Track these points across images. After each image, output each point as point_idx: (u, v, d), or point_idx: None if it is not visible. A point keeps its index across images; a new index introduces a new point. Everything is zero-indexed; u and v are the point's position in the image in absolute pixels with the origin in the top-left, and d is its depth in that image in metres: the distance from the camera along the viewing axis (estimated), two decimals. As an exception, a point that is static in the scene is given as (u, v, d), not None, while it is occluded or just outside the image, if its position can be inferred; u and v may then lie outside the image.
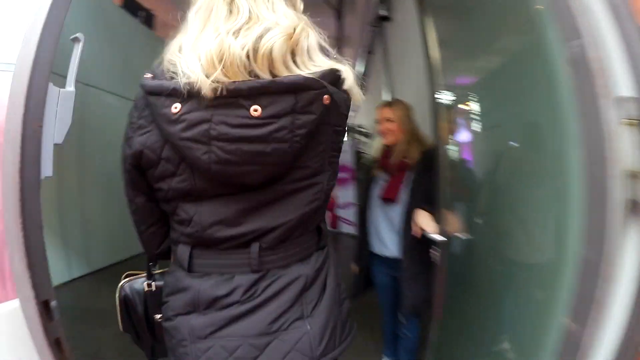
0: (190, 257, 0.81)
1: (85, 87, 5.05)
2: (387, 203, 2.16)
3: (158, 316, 0.94)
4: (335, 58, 0.80)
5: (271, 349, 0.75)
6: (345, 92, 0.81)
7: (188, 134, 0.68)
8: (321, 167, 0.83)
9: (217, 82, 0.66)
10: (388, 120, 2.16)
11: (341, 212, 8.12)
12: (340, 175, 6.23)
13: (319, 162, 0.82)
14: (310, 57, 0.75)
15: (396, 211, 2.13)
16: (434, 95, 1.95)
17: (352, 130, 8.79)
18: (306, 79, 0.69)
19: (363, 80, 10.47)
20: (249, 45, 0.68)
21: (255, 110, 0.67)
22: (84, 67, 4.88)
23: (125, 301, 1.04)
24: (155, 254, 0.96)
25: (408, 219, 1.99)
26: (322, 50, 0.79)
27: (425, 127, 2.23)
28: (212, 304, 0.77)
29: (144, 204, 0.88)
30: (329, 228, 1.15)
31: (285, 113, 0.68)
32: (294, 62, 0.72)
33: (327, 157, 0.85)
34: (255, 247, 0.78)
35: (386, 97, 6.31)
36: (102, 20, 5.33)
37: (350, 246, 7.02)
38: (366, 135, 8.51)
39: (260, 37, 0.68)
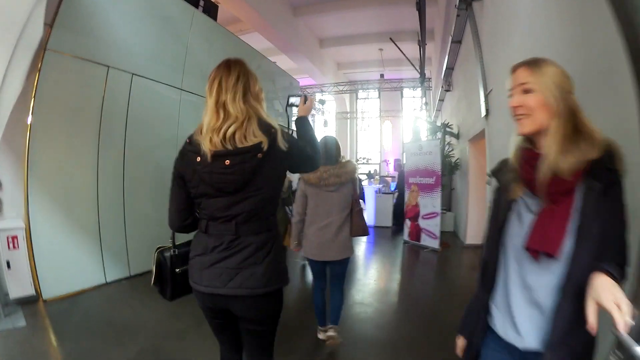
0: (207, 225, 1.59)
1: (138, 79, 5.16)
2: (537, 258, 1.12)
3: (178, 269, 1.74)
4: (270, 129, 1.52)
5: (239, 275, 1.52)
6: (277, 143, 1.51)
7: (203, 169, 1.49)
8: (264, 184, 1.53)
9: (212, 150, 1.45)
10: (525, 89, 1.15)
11: (424, 223, 7.38)
12: (424, 180, 7.39)
13: (263, 181, 1.52)
14: (253, 134, 1.48)
15: (549, 274, 1.11)
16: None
17: (442, 128, 8.06)
18: (248, 147, 1.46)
19: (449, 77, 10.10)
20: (223, 135, 1.46)
21: (227, 162, 1.45)
22: (140, 58, 5.12)
23: (159, 263, 1.77)
24: (183, 226, 1.69)
25: (572, 293, 1.04)
26: (261, 126, 1.51)
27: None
28: (213, 250, 1.56)
29: (186, 199, 1.65)
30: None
31: (239, 162, 1.45)
32: (244, 137, 1.47)
33: (276, 176, 1.59)
34: (233, 222, 1.54)
35: (481, 92, 5.59)
36: (160, 10, 5.59)
37: (431, 261, 6.53)
38: (455, 135, 7.75)
39: (228, 128, 1.46)
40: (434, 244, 7.09)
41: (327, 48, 15.74)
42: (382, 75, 16.47)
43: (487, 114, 5.51)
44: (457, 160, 8.48)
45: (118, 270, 4.90)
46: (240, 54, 7.31)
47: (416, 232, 7.53)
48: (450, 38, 8.18)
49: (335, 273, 3.13)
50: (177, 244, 1.80)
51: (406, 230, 7.84)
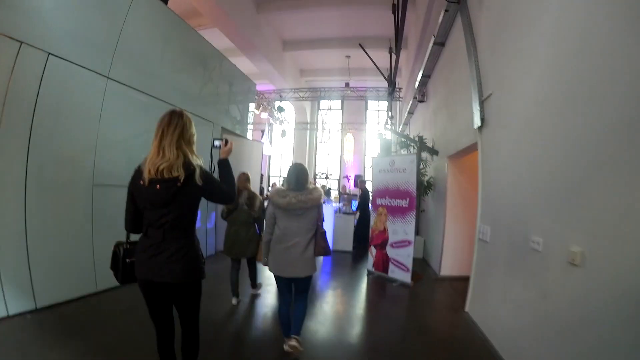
0: (146, 230, 2.24)
1: (55, 60, 4.15)
2: None
3: (128, 260, 2.34)
4: (190, 167, 2.19)
5: (165, 269, 2.17)
6: (194, 178, 2.19)
7: (143, 189, 2.18)
8: (182, 203, 2.20)
9: (149, 178, 2.15)
10: None
11: (393, 252, 6.26)
12: (395, 202, 6.38)
13: (182, 201, 2.19)
14: (177, 170, 2.15)
15: None
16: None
17: (418, 142, 7.06)
18: (171, 178, 2.14)
19: (423, 86, 9.17)
20: (156, 169, 2.14)
21: (157, 186, 2.15)
22: (60, 35, 4.25)
23: (115, 253, 2.38)
24: (130, 230, 2.36)
25: None
26: (184, 164, 2.18)
27: None
28: (149, 248, 2.20)
29: (134, 210, 2.29)
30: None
31: (165, 187, 2.15)
32: (170, 171, 2.14)
33: (190, 201, 2.26)
34: (162, 229, 2.19)
35: (475, 98, 4.67)
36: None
37: (402, 298, 5.38)
38: (432, 150, 6.76)
39: (160, 164, 2.13)
40: (405, 277, 5.97)
41: (291, 51, 14.73)
42: (347, 84, 15.57)
43: (481, 125, 4.56)
44: (430, 179, 7.50)
45: (21, 301, 3.90)
46: (195, 48, 7.25)
47: (383, 262, 6.38)
48: (430, 41, 7.33)
49: (300, 289, 3.46)
50: (129, 241, 2.42)
51: (371, 259, 6.69)
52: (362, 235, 9.16)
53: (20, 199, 3.84)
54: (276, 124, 18.89)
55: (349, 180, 16.01)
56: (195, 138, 2.35)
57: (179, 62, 6.46)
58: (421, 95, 9.24)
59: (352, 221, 9.02)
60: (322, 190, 3.51)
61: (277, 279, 3.41)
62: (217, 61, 7.72)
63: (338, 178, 19.72)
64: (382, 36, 12.32)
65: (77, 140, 4.50)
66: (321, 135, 20.21)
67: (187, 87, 6.65)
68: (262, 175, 8.92)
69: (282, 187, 3.41)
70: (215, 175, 2.45)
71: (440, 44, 7.21)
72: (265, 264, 3.45)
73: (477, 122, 4.62)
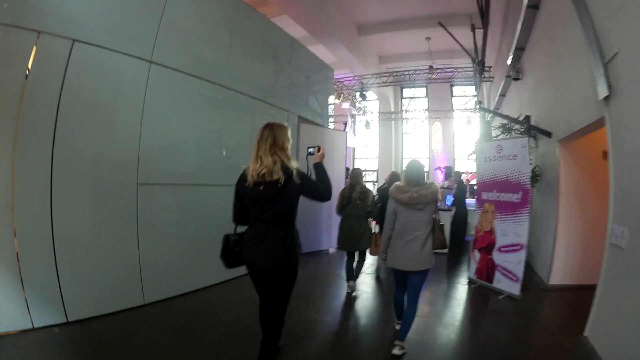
0: (251, 223, 2.75)
1: (82, 47, 3.77)
2: None
3: (237, 248, 2.77)
4: (288, 170, 2.59)
5: (266, 255, 2.63)
6: (292, 178, 2.57)
7: (249, 190, 2.63)
8: (283, 201, 2.61)
9: (253, 182, 2.59)
10: None
11: (501, 258, 5.36)
12: (505, 196, 5.48)
13: (282, 200, 2.60)
14: (276, 173, 2.55)
15: None
16: None
17: (526, 123, 6.02)
18: (272, 180, 2.55)
19: (517, 62, 7.92)
20: (258, 174, 2.57)
21: (261, 187, 2.58)
22: (86, 18, 3.88)
23: (226, 243, 2.80)
24: (237, 223, 2.81)
25: None
26: (282, 168, 2.57)
27: None
28: (252, 239, 2.70)
29: (240, 206, 2.76)
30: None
31: (269, 188, 2.57)
32: (270, 175, 2.55)
33: (290, 198, 2.65)
34: (264, 222, 2.65)
35: (595, 62, 3.67)
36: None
37: (507, 314, 4.54)
38: (544, 132, 5.69)
39: (261, 170, 2.56)
40: (513, 288, 5.06)
41: (366, 35, 13.96)
42: (431, 67, 14.48)
43: (609, 94, 3.52)
44: (536, 169, 6.41)
45: (49, 313, 3.59)
46: (266, 35, 6.78)
47: (488, 270, 5.50)
48: (523, 4, 6.28)
49: (415, 283, 3.48)
50: (237, 232, 2.82)
51: (473, 265, 5.85)
52: (459, 235, 8.28)
53: (45, 201, 3.55)
54: (359, 115, 18.29)
55: (442, 171, 14.89)
56: (289, 144, 2.74)
57: (248, 49, 6.05)
58: (515, 72, 8.05)
59: (447, 218, 8.15)
60: (437, 185, 3.67)
61: (396, 272, 3.61)
62: (290, 48, 7.29)
63: (427, 170, 18.46)
64: (462, 13, 11.26)
65: (115, 133, 4.10)
66: (407, 125, 19.23)
67: (258, 75, 6.28)
68: (347, 169, 8.32)
69: (401, 183, 3.55)
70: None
71: (534, 6, 6.17)
72: (384, 260, 3.59)
73: (602, 91, 3.56)
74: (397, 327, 3.68)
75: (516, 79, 8.05)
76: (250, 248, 2.68)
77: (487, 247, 5.56)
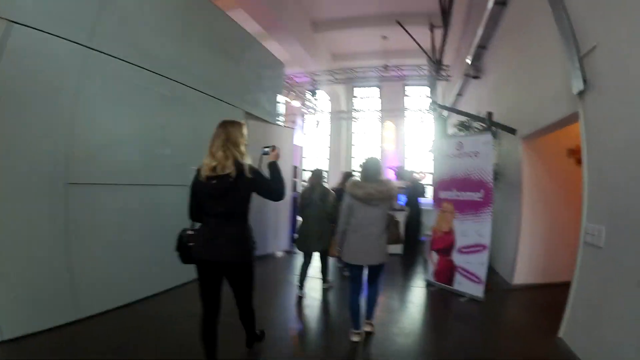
0: (205, 218, 2.68)
1: (20, 29, 3.23)
2: None
3: (190, 244, 2.69)
4: (240, 165, 2.59)
5: (219, 251, 2.57)
6: (244, 173, 2.58)
7: (202, 184, 2.61)
8: (235, 195, 2.61)
9: (206, 176, 2.59)
10: None
11: (461, 259, 5.07)
12: (465, 195, 5.20)
13: (234, 194, 2.60)
14: (228, 168, 2.55)
15: None
16: None
17: (493, 125, 5.73)
18: (224, 174, 2.55)
19: (477, 60, 7.80)
20: (211, 168, 2.57)
21: (214, 181, 2.56)
22: None
23: (180, 237, 2.77)
24: (193, 219, 2.76)
25: None
26: (234, 163, 2.57)
27: None
28: (205, 234, 2.63)
29: (196, 202, 2.70)
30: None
31: (221, 182, 2.56)
32: (222, 169, 2.56)
33: (242, 193, 2.64)
34: (217, 217, 2.62)
35: (570, 56, 3.46)
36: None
37: (472, 317, 4.22)
38: (508, 129, 5.43)
39: (214, 165, 2.57)
40: (476, 290, 4.80)
41: (322, 32, 13.46)
42: (385, 66, 14.26)
43: (584, 89, 3.38)
44: (495, 167, 6.16)
45: None
46: (216, 26, 6.15)
47: (447, 272, 5.21)
48: (489, 2, 6.13)
49: (373, 276, 3.62)
50: (193, 228, 2.78)
51: (431, 267, 5.54)
52: (414, 236, 8.01)
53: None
54: (309, 114, 17.84)
55: (394, 171, 14.79)
56: (242, 140, 2.74)
57: (200, 41, 5.54)
58: (475, 70, 7.98)
59: (401, 218, 7.84)
60: (394, 183, 3.73)
61: (351, 267, 3.58)
62: (242, 41, 6.76)
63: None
64: (421, 12, 10.99)
65: (41, 126, 3.46)
66: (357, 125, 18.98)
67: (207, 69, 5.69)
68: (295, 168, 7.83)
69: (357, 179, 3.59)
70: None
71: (501, 2, 6.03)
72: (339, 254, 3.62)
73: (577, 86, 3.43)
74: (354, 338, 3.55)
75: (475, 77, 7.96)
76: (203, 245, 2.62)
77: (446, 248, 5.27)
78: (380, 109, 18.26)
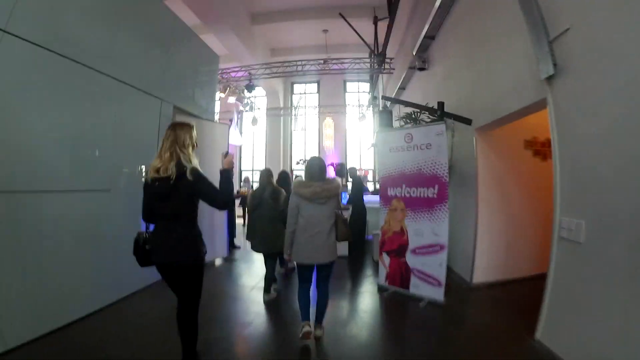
0: (156, 220, 2.70)
1: None
2: None
3: (147, 246, 2.67)
4: (182, 167, 2.57)
5: (168, 252, 2.59)
6: (185, 176, 2.55)
7: (149, 186, 2.63)
8: (178, 197, 2.57)
9: (152, 177, 2.60)
10: None
11: (417, 261, 4.65)
12: (418, 191, 4.82)
13: (177, 195, 2.57)
14: (170, 170, 2.55)
15: None
16: None
17: (445, 115, 5.31)
18: (166, 176, 2.55)
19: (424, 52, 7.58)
20: (156, 170, 2.59)
21: (157, 183, 2.57)
22: None
23: (137, 240, 2.70)
24: (146, 220, 2.75)
25: None
26: (177, 165, 2.57)
27: None
28: (157, 236, 2.66)
29: (146, 203, 2.72)
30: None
31: (163, 184, 2.56)
32: (165, 171, 2.56)
33: (184, 195, 2.59)
34: (165, 218, 2.63)
35: (538, 40, 3.20)
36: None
37: (433, 323, 3.74)
38: (462, 120, 5.06)
39: (159, 167, 2.58)
40: (436, 293, 4.41)
41: (261, 25, 12.73)
42: (325, 61, 13.83)
43: (554, 74, 3.16)
44: (450, 160, 5.86)
45: None
46: (149, 15, 5.39)
47: (401, 275, 4.78)
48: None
49: (323, 276, 3.59)
50: (149, 230, 2.74)
51: (383, 271, 5.07)
52: (359, 235, 7.57)
53: None
54: (246, 111, 16.98)
55: (334, 167, 14.39)
56: (190, 142, 2.75)
57: (130, 30, 4.85)
58: (421, 62, 7.70)
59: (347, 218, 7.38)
60: (339, 181, 3.83)
61: (301, 268, 3.57)
62: (175, 32, 6.01)
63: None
64: (365, 4, 10.79)
65: None
66: (296, 122, 18.38)
67: (133, 58, 4.92)
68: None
69: (302, 179, 3.61)
70: None
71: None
72: (289, 255, 3.57)
73: (545, 71, 3.20)
74: (306, 328, 3.50)
75: (421, 69, 7.68)
76: (155, 246, 2.65)
77: (398, 250, 4.84)
78: (319, 105, 17.79)
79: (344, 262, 6.65)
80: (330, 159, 16.25)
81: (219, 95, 13.78)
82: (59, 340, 3.45)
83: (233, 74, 14.31)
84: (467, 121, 4.86)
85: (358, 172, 8.46)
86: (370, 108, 15.17)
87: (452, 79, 6.14)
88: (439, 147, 4.53)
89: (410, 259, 4.69)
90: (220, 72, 12.56)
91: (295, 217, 3.48)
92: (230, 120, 15.82)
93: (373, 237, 6.80)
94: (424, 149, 4.67)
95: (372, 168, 16.83)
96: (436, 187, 4.50)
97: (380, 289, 5.03)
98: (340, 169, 11.71)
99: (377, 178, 14.95)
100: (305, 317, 3.55)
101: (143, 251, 2.69)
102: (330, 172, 15.40)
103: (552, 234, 3.25)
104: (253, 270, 6.18)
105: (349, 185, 9.06)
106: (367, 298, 4.83)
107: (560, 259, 3.19)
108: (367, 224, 8.01)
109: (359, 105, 16.51)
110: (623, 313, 2.45)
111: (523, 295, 4.23)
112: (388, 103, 9.80)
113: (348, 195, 8.15)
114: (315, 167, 3.51)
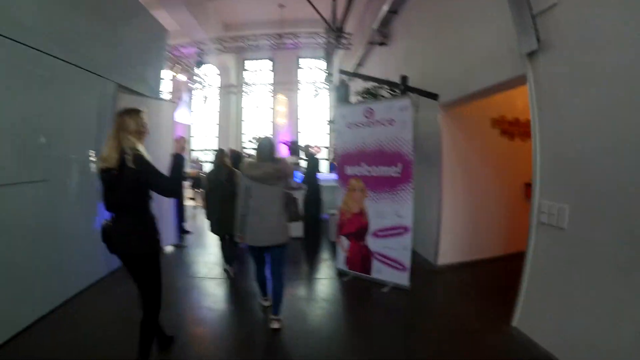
0: (109, 209, 2.52)
1: None
2: None
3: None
4: (125, 154, 2.37)
5: (122, 242, 2.48)
6: (128, 166, 2.35)
7: (101, 176, 2.44)
8: (124, 187, 2.39)
9: (100, 167, 2.43)
10: None
11: (379, 244, 4.39)
12: (379, 170, 4.47)
13: (124, 185, 2.38)
14: (114, 158, 2.37)
15: None
16: None
17: (408, 90, 4.83)
18: (111, 167, 2.37)
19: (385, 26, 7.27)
20: (104, 158, 2.41)
21: (104, 173, 2.40)
22: None
23: (103, 228, 2.52)
24: (107, 209, 2.51)
25: None
26: (120, 153, 2.37)
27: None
28: (113, 225, 2.49)
29: (104, 195, 2.48)
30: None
31: (108, 174, 2.39)
32: (111, 159, 2.39)
33: (130, 184, 2.38)
34: (114, 208, 2.49)
35: (520, 14, 2.95)
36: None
37: (397, 310, 3.56)
38: (428, 95, 4.74)
39: (107, 154, 2.40)
40: (401, 278, 4.18)
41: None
42: (280, 35, 13.21)
43: (537, 49, 2.96)
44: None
45: None
46: None
47: (361, 259, 4.51)
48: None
49: (277, 259, 3.44)
50: (114, 218, 2.55)
51: (341, 255, 4.78)
52: (314, 215, 7.25)
53: None
54: (197, 89, 16.10)
55: (287, 146, 13.88)
56: (136, 128, 2.53)
57: (67, 2, 4.10)
58: (382, 37, 7.38)
59: (299, 197, 7.00)
60: (288, 161, 4.27)
61: (254, 250, 3.50)
62: (120, 1, 5.29)
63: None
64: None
65: None
66: (249, 99, 17.59)
67: (75, 35, 4.22)
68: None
69: (252, 160, 3.49)
70: None
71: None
72: (242, 239, 3.46)
73: (528, 45, 3.00)
74: (265, 303, 3.76)
75: (382, 44, 7.35)
76: (113, 236, 2.51)
77: (358, 233, 4.56)
78: (272, 82, 17.12)
79: (299, 245, 6.30)
80: (283, 137, 15.77)
81: (169, 73, 13.21)
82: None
83: (184, 50, 13.48)
84: (433, 96, 4.60)
85: (311, 150, 8.08)
86: (326, 85, 14.76)
87: (416, 54, 5.87)
88: (403, 122, 4.22)
89: (372, 243, 4.42)
90: (170, 49, 11.83)
91: (246, 200, 3.40)
92: (180, 99, 14.95)
93: (329, 216, 6.49)
94: (386, 125, 4.35)
95: (327, 146, 16.49)
96: (399, 165, 4.22)
97: (340, 274, 4.74)
98: (294, 147, 11.32)
99: (331, 156, 14.61)
100: (264, 293, 3.78)
101: (109, 239, 2.56)
102: (284, 151, 15.02)
103: (530, 217, 3.08)
104: (206, 258, 5.67)
105: (303, 163, 8.64)
106: (327, 284, 4.52)
107: (539, 245, 3.04)
108: (322, 203, 7.72)
109: (314, 83, 16.00)
110: (610, 300, 2.33)
111: (491, 277, 4.11)
112: (347, 78, 9.38)
113: (302, 174, 7.76)
114: (266, 148, 3.45)
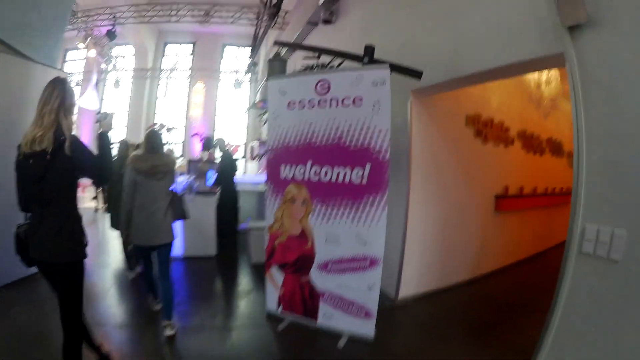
0: (31, 207, 2.06)
1: None
2: None
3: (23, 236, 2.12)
4: (61, 137, 1.96)
5: (42, 247, 1.99)
6: (63, 149, 1.96)
7: (20, 165, 2.00)
8: (56, 177, 1.98)
9: (24, 152, 1.94)
10: None
11: (330, 282, 3.08)
12: (336, 172, 3.17)
13: (54, 175, 1.96)
14: (47, 140, 1.92)
15: None
16: None
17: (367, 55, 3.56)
18: (42, 151, 1.91)
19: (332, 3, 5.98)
20: (31, 140, 1.92)
21: (31, 160, 1.92)
22: None
23: (17, 236, 2.12)
24: (22, 209, 2.10)
25: None
26: (55, 134, 1.95)
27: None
28: (32, 227, 2.02)
29: (21, 188, 2.08)
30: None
31: (37, 162, 1.92)
32: (42, 142, 1.92)
33: (62, 175, 2.00)
34: (39, 204, 1.99)
35: None
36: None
37: None
38: (410, 72, 3.48)
39: (37, 133, 1.93)
40: (362, 326, 2.96)
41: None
42: (207, 13, 11.63)
43: (584, 23, 2.11)
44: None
45: None
46: None
47: (303, 299, 3.19)
48: None
49: (164, 259, 3.21)
50: (29, 222, 2.13)
51: (273, 293, 3.40)
52: (229, 225, 5.81)
53: None
54: (109, 70, 13.95)
55: (200, 139, 12.16)
56: (72, 104, 2.20)
57: None
58: (328, 14, 6.27)
59: (211, 204, 5.44)
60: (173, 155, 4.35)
61: (140, 249, 3.29)
62: None
63: (183, 140, 15.05)
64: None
65: None
66: (165, 86, 15.51)
67: None
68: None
69: (139, 153, 3.23)
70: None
71: None
72: (128, 236, 3.23)
73: (573, 16, 2.13)
74: (156, 306, 3.51)
75: (327, 21, 6.22)
76: (31, 240, 2.07)
77: (298, 263, 3.24)
78: (191, 67, 15.28)
79: (210, 267, 4.80)
80: (198, 129, 14.04)
81: (79, 47, 11.99)
82: None
83: (99, 22, 11.81)
84: (416, 74, 3.32)
85: (227, 147, 6.63)
86: (248, 75, 13.36)
87: (383, 26, 4.67)
88: (378, 103, 2.93)
89: (319, 278, 3.14)
90: (83, 19, 11.06)
91: (132, 195, 3.13)
92: (89, 81, 12.69)
93: (249, 225, 5.02)
94: (348, 106, 3.04)
95: (245, 143, 14.99)
96: (368, 166, 2.95)
97: (271, 318, 3.37)
98: (207, 142, 9.92)
99: (252, 154, 13.11)
100: (155, 296, 3.55)
101: (26, 248, 2.11)
102: (196, 144, 13.30)
103: (567, 247, 2.21)
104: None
105: (216, 161, 7.25)
106: (251, 334, 3.15)
107: (579, 282, 2.18)
108: (240, 210, 6.45)
109: (236, 72, 14.51)
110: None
111: (466, 309, 3.09)
112: (282, 51, 7.94)
113: (216, 174, 6.24)
114: (153, 140, 3.23)
